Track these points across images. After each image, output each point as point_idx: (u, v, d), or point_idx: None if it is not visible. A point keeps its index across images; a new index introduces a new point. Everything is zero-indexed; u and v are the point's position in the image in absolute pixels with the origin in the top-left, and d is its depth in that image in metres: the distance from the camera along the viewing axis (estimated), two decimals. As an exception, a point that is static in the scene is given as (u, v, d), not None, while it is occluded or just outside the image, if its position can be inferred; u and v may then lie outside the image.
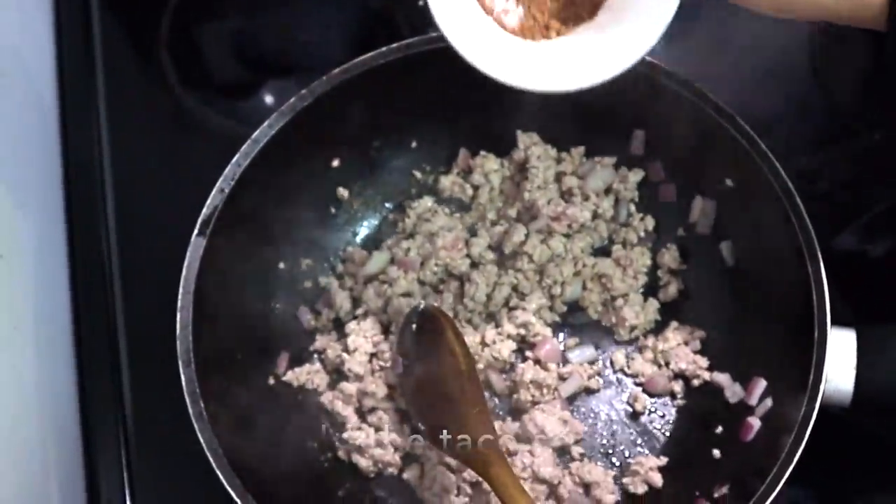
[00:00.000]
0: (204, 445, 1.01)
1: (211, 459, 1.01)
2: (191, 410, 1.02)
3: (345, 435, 1.15)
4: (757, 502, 0.98)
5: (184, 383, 1.03)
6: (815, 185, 1.22)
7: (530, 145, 1.23)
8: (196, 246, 1.08)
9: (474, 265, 1.22)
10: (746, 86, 1.25)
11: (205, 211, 1.09)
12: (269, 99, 1.34)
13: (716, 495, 1.06)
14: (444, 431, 1.07)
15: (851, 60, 1.26)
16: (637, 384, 1.19)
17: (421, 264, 1.21)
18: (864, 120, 1.25)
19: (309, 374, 1.18)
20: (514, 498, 0.99)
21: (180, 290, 1.07)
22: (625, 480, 1.14)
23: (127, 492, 1.14)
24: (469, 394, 1.08)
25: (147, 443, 1.16)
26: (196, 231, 1.09)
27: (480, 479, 1.05)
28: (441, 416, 1.08)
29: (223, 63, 1.40)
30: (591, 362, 1.20)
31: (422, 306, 1.16)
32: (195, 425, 1.02)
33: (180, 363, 1.04)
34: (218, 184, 1.10)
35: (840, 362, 1.02)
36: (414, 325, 1.14)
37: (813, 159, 1.26)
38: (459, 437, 1.05)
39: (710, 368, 1.16)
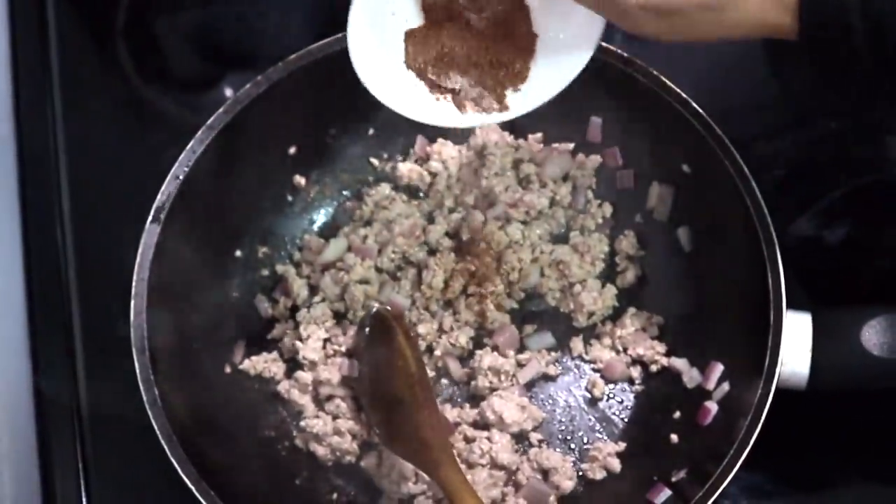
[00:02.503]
0: (158, 433, 1.01)
1: (165, 447, 1.00)
2: (145, 398, 1.02)
3: (302, 423, 1.15)
4: (713, 485, 0.99)
5: (138, 370, 1.03)
6: (772, 171, 1.22)
7: (488, 132, 1.23)
8: (150, 233, 1.08)
9: (432, 252, 1.21)
10: (703, 74, 1.25)
11: (159, 198, 1.09)
12: (227, 91, 1.33)
13: (674, 479, 1.07)
14: (397, 433, 1.09)
15: (808, 50, 1.26)
16: (595, 370, 1.18)
17: (378, 252, 1.21)
18: (820, 109, 1.26)
19: (266, 363, 1.17)
20: (464, 500, 1.01)
21: (134, 277, 1.06)
22: (583, 466, 1.14)
23: (82, 481, 1.13)
24: (419, 396, 1.09)
25: (102, 432, 1.15)
26: (150, 218, 1.08)
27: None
28: (393, 418, 1.09)
29: (181, 54, 1.39)
30: (550, 349, 1.19)
31: (374, 309, 1.15)
32: (149, 412, 1.01)
33: (134, 351, 1.04)
34: (172, 171, 1.10)
35: (796, 346, 1.02)
36: (367, 329, 1.14)
37: (769, 146, 1.27)
38: (410, 438, 1.07)
39: (668, 354, 1.17)
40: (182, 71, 1.39)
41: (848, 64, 0.83)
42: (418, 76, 0.96)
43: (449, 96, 0.96)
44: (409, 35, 0.97)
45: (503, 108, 0.96)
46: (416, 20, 0.97)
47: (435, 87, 0.96)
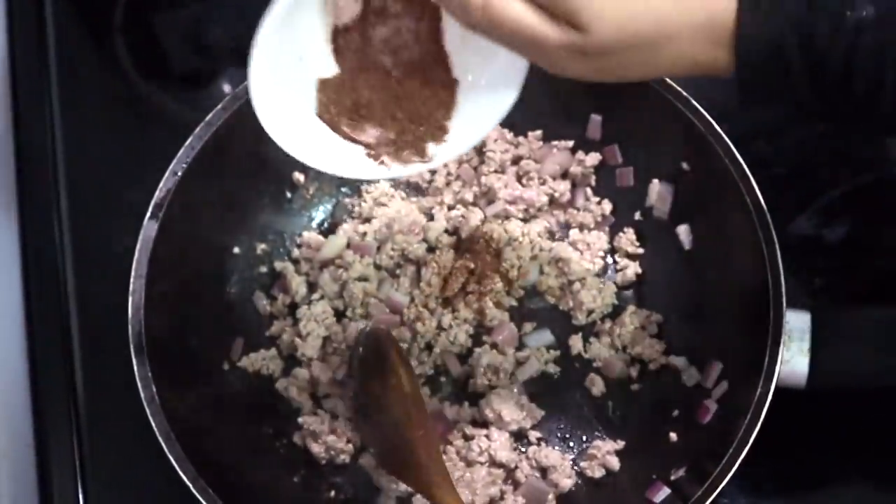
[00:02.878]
0: (156, 430, 1.00)
1: (163, 444, 0.99)
2: (142, 395, 1.01)
3: (300, 420, 1.14)
4: (712, 484, 0.98)
5: (135, 368, 1.02)
6: (771, 170, 1.21)
7: None
8: (148, 230, 1.07)
9: (431, 249, 1.20)
10: (702, 77, 1.23)
11: (157, 194, 1.08)
12: (226, 87, 1.32)
13: (673, 478, 1.06)
14: (391, 453, 1.08)
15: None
16: (594, 368, 1.18)
17: (377, 249, 1.21)
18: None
19: (264, 360, 1.17)
20: None
21: (132, 274, 1.05)
22: (582, 464, 1.13)
23: (79, 480, 1.12)
24: (414, 417, 1.08)
25: (100, 429, 1.14)
26: (148, 215, 1.07)
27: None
28: (387, 438, 1.08)
29: (179, 50, 1.38)
30: (549, 347, 1.18)
31: (367, 328, 1.14)
32: (147, 410, 1.01)
33: (132, 348, 1.03)
34: (170, 167, 1.09)
35: (795, 345, 1.02)
36: (361, 349, 1.13)
37: (769, 145, 1.26)
38: (405, 459, 1.06)
39: (667, 352, 1.16)
40: (180, 67, 1.38)
41: (786, 96, 0.81)
42: (331, 128, 0.91)
43: (363, 148, 0.92)
44: (322, 84, 0.91)
45: (425, 159, 0.91)
46: (327, 66, 0.91)
47: (349, 139, 0.91)
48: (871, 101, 0.78)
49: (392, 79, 0.91)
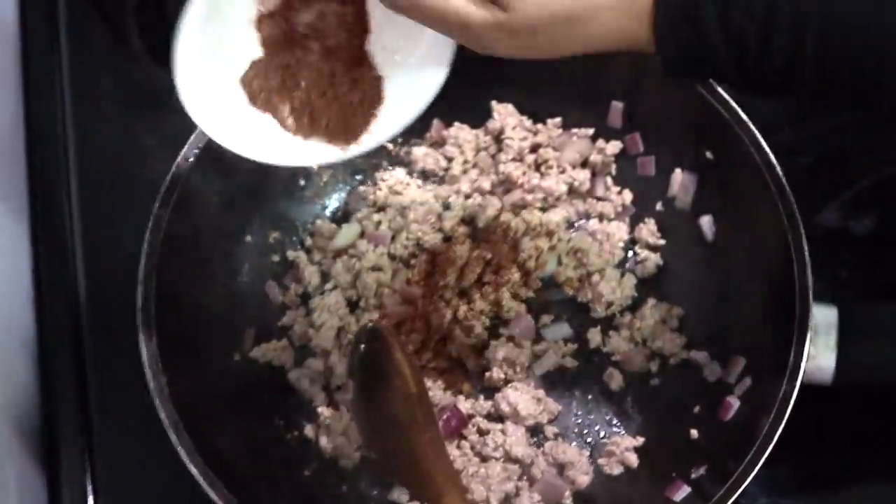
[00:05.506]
0: (165, 422, 0.98)
1: (172, 436, 0.98)
2: (151, 385, 0.99)
3: (318, 409, 1.13)
4: (734, 483, 0.96)
5: (144, 358, 1.01)
6: (796, 159, 1.19)
7: (506, 116, 1.22)
8: (158, 217, 1.06)
9: (447, 239, 1.20)
10: None
11: (168, 180, 1.07)
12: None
13: (693, 476, 1.05)
14: (396, 460, 1.04)
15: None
16: (613, 362, 1.16)
17: (392, 238, 1.20)
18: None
19: (276, 351, 1.16)
20: None
21: (141, 262, 1.04)
22: (600, 461, 1.12)
23: (88, 471, 1.11)
24: (420, 418, 1.04)
25: (109, 419, 1.13)
26: (158, 202, 1.06)
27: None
28: (391, 443, 1.04)
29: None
30: (566, 340, 1.17)
31: (369, 325, 1.11)
32: (156, 401, 0.99)
33: (141, 337, 1.01)
34: (181, 153, 1.07)
35: (821, 340, 1.01)
36: (362, 346, 1.08)
37: (794, 135, 1.24)
38: (411, 465, 1.03)
39: (689, 346, 1.15)
40: None
41: (707, 71, 0.81)
42: (259, 107, 0.91)
43: (297, 136, 0.92)
44: (251, 65, 0.91)
45: (357, 141, 0.92)
46: (253, 51, 0.91)
47: (280, 121, 0.92)
48: (790, 69, 0.77)
49: (320, 60, 0.91)
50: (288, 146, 0.92)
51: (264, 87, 0.91)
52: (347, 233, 1.20)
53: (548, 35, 0.79)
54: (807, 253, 1.01)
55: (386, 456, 1.05)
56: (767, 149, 1.05)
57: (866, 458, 1.11)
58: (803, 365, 0.98)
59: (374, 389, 1.04)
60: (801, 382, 0.98)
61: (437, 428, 1.05)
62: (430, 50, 0.89)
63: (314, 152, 0.92)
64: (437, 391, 1.14)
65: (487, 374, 1.15)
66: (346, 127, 0.92)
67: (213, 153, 1.08)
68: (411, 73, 0.91)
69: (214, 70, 0.90)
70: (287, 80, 0.91)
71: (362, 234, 1.21)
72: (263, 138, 0.91)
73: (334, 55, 0.91)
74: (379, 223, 1.20)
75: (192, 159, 1.07)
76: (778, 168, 1.04)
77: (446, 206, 1.22)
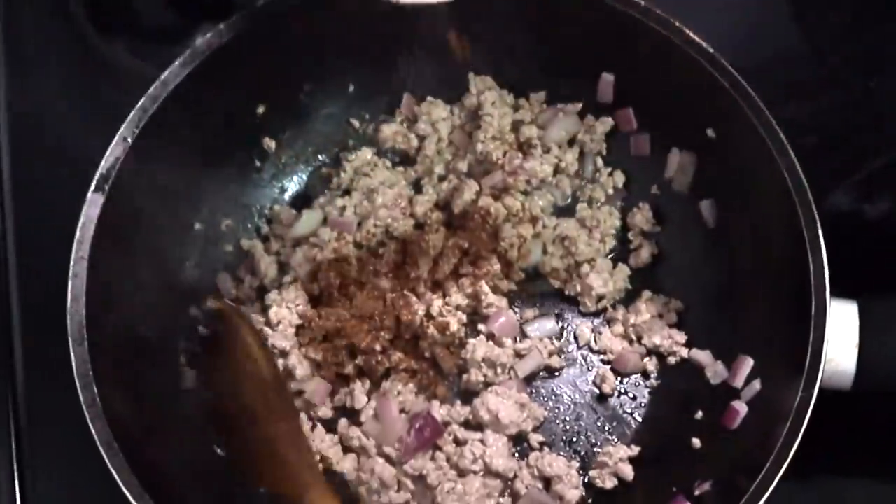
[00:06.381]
0: (96, 437, 0.93)
1: (104, 454, 0.93)
2: (81, 397, 0.95)
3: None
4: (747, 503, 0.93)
5: (74, 365, 0.97)
6: (804, 138, 1.11)
7: (484, 90, 1.19)
8: (92, 203, 1.00)
9: (419, 226, 1.17)
10: (724, 31, 1.17)
11: (103, 163, 1.02)
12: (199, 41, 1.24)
13: (697, 492, 1.01)
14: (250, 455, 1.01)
15: (833, 3, 1.25)
16: (605, 362, 1.14)
17: (358, 225, 1.17)
18: (851, 62, 1.22)
19: (228, 353, 1.12)
20: None
21: (72, 255, 0.99)
22: (591, 473, 1.09)
23: (17, 484, 1.09)
24: (276, 406, 1.02)
25: (40, 434, 1.09)
26: (93, 186, 1.01)
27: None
28: (244, 436, 1.02)
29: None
30: (553, 337, 1.15)
31: (208, 304, 1.08)
32: (86, 414, 0.94)
33: (71, 341, 0.97)
34: (119, 132, 1.03)
35: (841, 339, 0.96)
36: (201, 328, 1.06)
37: (800, 110, 1.21)
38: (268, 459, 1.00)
39: (689, 345, 1.13)
40: (148, 20, 1.32)
41: None
42: None
43: None
44: None
45: None
46: None
47: None
48: None
49: None
50: None
51: None
52: (308, 219, 1.17)
53: None
54: (822, 238, 0.97)
55: (240, 452, 1.00)
56: (775, 122, 1.01)
57: (893, 471, 1.08)
58: (821, 369, 0.95)
59: (221, 379, 1.02)
60: (819, 387, 0.94)
61: (297, 418, 1.03)
62: None
63: None
64: (408, 395, 1.10)
65: (465, 376, 1.13)
66: None
67: (155, 132, 1.03)
68: None
69: None
70: None
71: (325, 221, 1.18)
72: None
73: None
74: (343, 208, 1.18)
75: (130, 140, 1.02)
76: (788, 145, 1.00)
77: (418, 190, 1.20)
